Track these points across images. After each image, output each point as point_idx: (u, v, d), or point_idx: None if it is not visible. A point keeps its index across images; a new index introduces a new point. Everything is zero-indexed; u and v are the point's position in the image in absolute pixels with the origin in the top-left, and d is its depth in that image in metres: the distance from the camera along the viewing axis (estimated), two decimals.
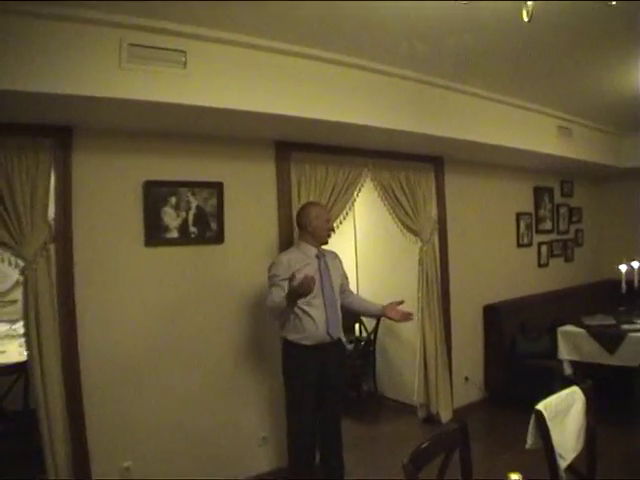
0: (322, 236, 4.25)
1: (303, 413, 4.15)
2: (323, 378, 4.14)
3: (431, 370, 5.85)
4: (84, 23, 3.07)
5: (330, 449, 4.34)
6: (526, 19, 2.55)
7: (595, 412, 2.89)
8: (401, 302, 4.35)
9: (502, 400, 6.33)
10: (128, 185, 4.05)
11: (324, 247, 4.33)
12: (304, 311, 4.01)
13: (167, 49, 3.34)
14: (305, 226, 4.23)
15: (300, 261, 4.10)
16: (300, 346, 4.07)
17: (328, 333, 4.09)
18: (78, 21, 3.04)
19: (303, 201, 4.78)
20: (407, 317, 4.35)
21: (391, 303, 4.31)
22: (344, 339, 4.46)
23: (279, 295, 3.92)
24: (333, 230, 4.35)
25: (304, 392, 4.11)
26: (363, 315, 5.83)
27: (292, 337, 4.10)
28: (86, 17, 3.05)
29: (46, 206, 3.64)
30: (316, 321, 4.04)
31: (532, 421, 2.63)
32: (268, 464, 4.74)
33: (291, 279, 3.78)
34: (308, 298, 3.92)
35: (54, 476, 3.62)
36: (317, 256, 4.21)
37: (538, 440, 2.62)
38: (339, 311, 4.29)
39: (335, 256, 4.46)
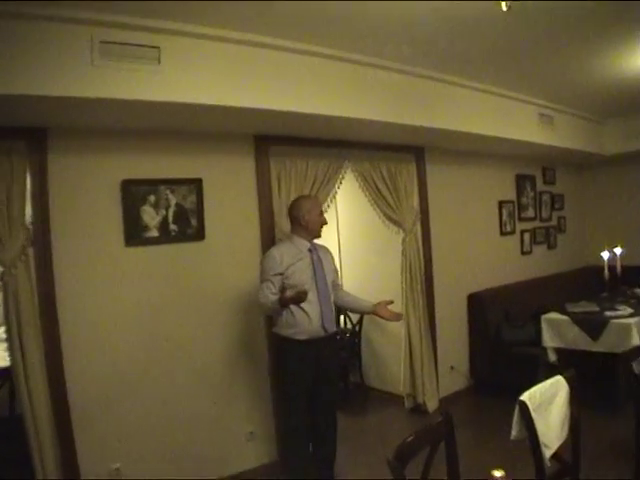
0: (315, 229, 4.21)
1: (297, 408, 4.15)
2: (318, 372, 4.14)
3: (416, 360, 5.87)
4: (53, 21, 3.01)
5: (324, 441, 4.35)
6: (505, 8, 2.55)
7: (579, 400, 2.90)
8: (391, 302, 4.35)
9: (488, 388, 6.37)
10: (106, 185, 4.01)
11: (316, 241, 4.31)
12: (298, 306, 3.98)
13: (140, 45, 3.29)
14: (298, 219, 4.19)
15: (293, 255, 4.08)
16: (294, 341, 4.05)
17: (323, 327, 4.09)
18: (47, 19, 2.99)
19: (283, 195, 4.78)
20: (397, 317, 4.38)
21: (381, 302, 4.30)
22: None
23: (272, 293, 3.94)
24: (326, 223, 4.31)
25: (299, 387, 4.11)
26: (353, 311, 5.83)
27: (285, 332, 4.08)
28: (55, 15, 3.00)
29: (23, 210, 3.59)
30: (310, 315, 4.02)
31: (516, 412, 2.64)
32: (256, 459, 4.74)
33: (283, 291, 3.83)
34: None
35: None
36: (310, 250, 4.19)
37: (523, 431, 2.63)
38: (333, 305, 4.29)
39: (327, 251, 4.45)
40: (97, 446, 3.94)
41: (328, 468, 4.36)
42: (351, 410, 6.21)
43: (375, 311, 4.32)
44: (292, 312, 4.00)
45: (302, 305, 3.96)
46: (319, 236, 4.28)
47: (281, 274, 4.00)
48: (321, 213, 4.26)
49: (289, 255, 4.07)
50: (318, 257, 4.21)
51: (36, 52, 2.97)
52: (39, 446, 3.59)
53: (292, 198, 4.69)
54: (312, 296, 4.01)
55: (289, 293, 3.80)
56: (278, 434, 4.78)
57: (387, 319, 4.33)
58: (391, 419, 5.97)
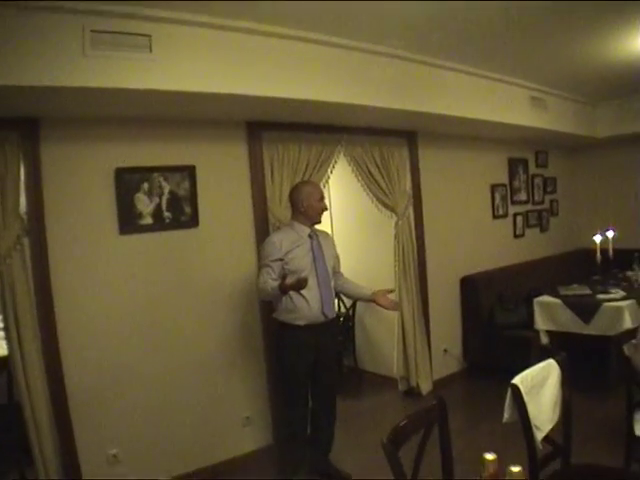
0: (314, 215, 4.19)
1: (296, 393, 4.19)
2: (317, 358, 4.16)
3: (410, 343, 5.92)
4: (44, 11, 3.00)
5: (321, 427, 4.40)
6: None
7: (570, 383, 2.95)
8: (391, 291, 4.37)
9: (480, 370, 6.45)
10: (99, 173, 4.02)
11: (317, 227, 4.32)
12: (298, 292, 3.98)
13: (131, 34, 3.29)
14: (297, 205, 4.18)
15: (292, 241, 4.09)
16: (293, 326, 4.06)
17: (323, 313, 4.09)
18: (38, 9, 2.98)
19: (276, 181, 4.81)
20: (395, 306, 4.44)
21: (380, 290, 4.30)
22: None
23: (271, 279, 3.96)
24: (326, 209, 4.29)
25: (297, 372, 4.13)
26: (352, 298, 5.81)
27: (285, 318, 4.10)
28: (46, 5, 2.99)
29: (17, 200, 3.61)
30: (309, 301, 4.03)
31: (508, 395, 2.69)
32: (252, 444, 4.81)
33: (283, 278, 3.84)
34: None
35: (42, 466, 3.66)
36: (310, 236, 4.18)
37: (515, 414, 2.67)
38: (333, 291, 4.30)
39: (328, 236, 4.47)
40: (95, 433, 3.99)
41: (324, 453, 4.41)
42: (345, 393, 6.24)
43: (374, 299, 4.29)
44: (291, 298, 4.01)
45: (302, 291, 3.96)
46: (319, 222, 4.27)
47: (281, 260, 4.01)
48: (321, 199, 4.21)
49: (288, 241, 4.07)
50: (318, 243, 4.21)
51: (27, 43, 2.97)
52: (37, 433, 3.64)
53: (285, 184, 4.74)
54: (312, 282, 4.01)
55: (289, 280, 3.80)
56: (274, 419, 4.84)
57: (385, 308, 4.31)
58: (385, 402, 6.04)
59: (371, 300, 4.34)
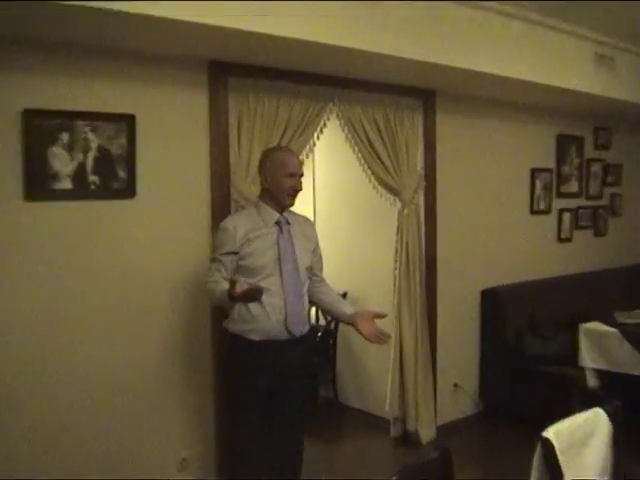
0: (279, 196, 4.07)
1: (247, 428, 4.12)
2: (277, 384, 4.09)
3: (409, 373, 5.94)
4: None
5: (282, 476, 4.33)
6: None
7: (624, 443, 2.91)
8: (382, 315, 4.28)
9: (502, 416, 6.47)
10: (0, 114, 3.93)
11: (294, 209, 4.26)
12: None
13: None
14: (262, 179, 4.12)
15: (252, 228, 3.99)
16: (246, 341, 3.99)
17: (287, 329, 4.00)
18: None
19: (244, 143, 4.77)
20: (379, 339, 4.19)
21: (365, 312, 4.25)
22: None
23: (223, 278, 3.90)
24: (300, 189, 4.13)
25: (249, 401, 4.08)
26: (328, 315, 5.70)
27: (236, 329, 4.03)
28: None
29: None
30: (268, 310, 3.93)
31: (537, 452, 2.65)
32: None
33: (232, 285, 3.67)
34: (259, 279, 3.89)
35: None
36: (278, 223, 4.08)
37: (546, 477, 2.63)
38: (305, 298, 4.22)
39: (307, 224, 4.41)
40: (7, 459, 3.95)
41: None
42: (320, 434, 6.23)
43: (354, 322, 4.18)
44: (246, 304, 3.92)
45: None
46: (288, 205, 4.15)
47: (235, 253, 3.95)
48: (292, 174, 4.06)
49: (246, 228, 3.98)
50: (288, 233, 4.11)
51: None
52: None
53: (255, 149, 4.73)
54: (275, 284, 3.96)
55: (239, 288, 3.65)
56: (218, 460, 4.81)
57: (367, 338, 4.15)
58: (372, 449, 6.06)
59: (350, 323, 4.25)
